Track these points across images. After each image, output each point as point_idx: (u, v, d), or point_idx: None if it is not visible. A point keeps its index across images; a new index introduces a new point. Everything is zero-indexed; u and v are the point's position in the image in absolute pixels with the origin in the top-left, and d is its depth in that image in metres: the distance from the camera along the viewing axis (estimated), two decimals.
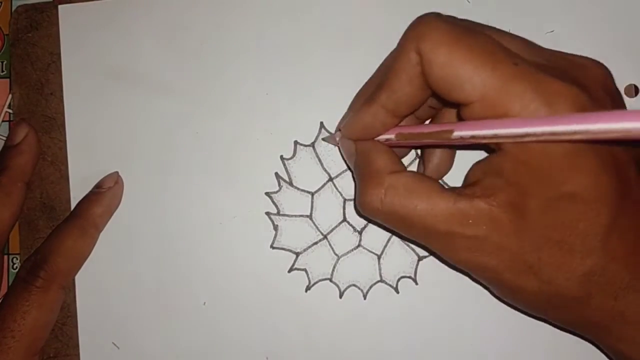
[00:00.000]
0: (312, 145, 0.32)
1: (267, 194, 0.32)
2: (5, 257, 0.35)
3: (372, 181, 0.24)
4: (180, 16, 0.33)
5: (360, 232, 0.31)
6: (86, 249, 0.32)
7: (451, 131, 0.22)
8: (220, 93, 0.32)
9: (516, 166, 0.21)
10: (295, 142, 0.32)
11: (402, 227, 0.24)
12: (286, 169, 0.32)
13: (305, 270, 0.31)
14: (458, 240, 0.22)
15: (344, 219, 0.31)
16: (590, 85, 0.21)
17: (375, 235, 0.31)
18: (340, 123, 0.30)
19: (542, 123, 0.19)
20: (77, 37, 0.34)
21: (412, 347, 0.30)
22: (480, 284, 0.30)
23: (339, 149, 0.30)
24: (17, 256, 0.34)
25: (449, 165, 0.29)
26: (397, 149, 0.28)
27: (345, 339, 0.31)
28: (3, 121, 0.36)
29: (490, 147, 0.22)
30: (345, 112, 0.29)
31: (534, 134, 0.19)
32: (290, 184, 0.32)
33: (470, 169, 0.24)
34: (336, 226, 0.31)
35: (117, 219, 0.33)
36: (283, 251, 0.32)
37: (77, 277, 0.33)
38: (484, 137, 0.21)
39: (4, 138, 0.36)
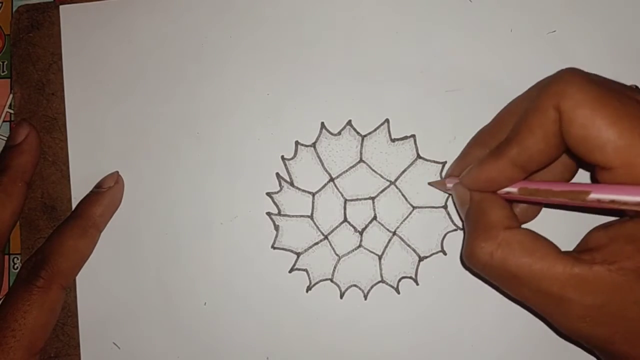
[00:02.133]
0: (313, 145, 0.32)
1: (268, 194, 0.32)
2: (6, 257, 0.35)
3: (484, 234, 0.23)
4: (181, 16, 0.33)
5: (361, 233, 0.31)
6: (87, 249, 0.32)
7: (587, 192, 0.21)
8: (221, 93, 0.32)
9: None
10: (297, 143, 0.32)
11: (510, 285, 0.23)
12: (287, 169, 0.32)
13: (306, 270, 0.31)
14: (572, 307, 0.21)
15: (345, 220, 0.31)
16: None
17: (376, 236, 0.31)
18: (449, 170, 0.29)
19: None
20: (78, 37, 0.34)
21: (413, 348, 0.30)
22: (480, 283, 0.30)
23: (452, 196, 0.29)
24: (18, 256, 0.34)
25: (537, 211, 0.28)
26: (523, 209, 0.27)
27: (346, 339, 0.31)
28: (4, 121, 0.36)
29: (625, 212, 0.22)
30: (457, 158, 0.29)
31: None
32: (291, 184, 0.32)
33: (590, 233, 0.23)
34: (337, 226, 0.31)
35: (118, 219, 0.33)
36: (284, 251, 0.32)
37: (78, 277, 0.33)
38: (626, 204, 0.20)
39: (5, 138, 0.36)
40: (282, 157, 0.32)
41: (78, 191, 0.33)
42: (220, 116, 0.32)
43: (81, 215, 0.32)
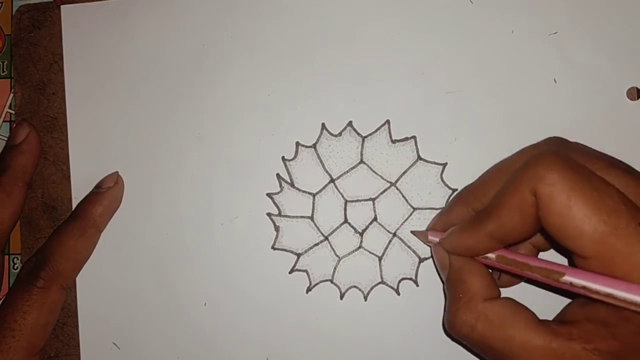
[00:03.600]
0: (314, 146, 0.32)
1: (268, 195, 0.32)
2: (6, 257, 0.35)
3: (464, 306, 0.23)
4: (182, 17, 0.33)
5: (361, 234, 0.31)
6: (87, 249, 0.32)
7: (561, 274, 0.21)
8: (222, 94, 0.32)
9: (626, 325, 0.20)
10: (297, 143, 0.32)
11: (490, 356, 0.23)
12: (287, 170, 0.32)
13: (306, 271, 0.31)
14: None
15: (345, 221, 0.31)
16: None
17: (377, 237, 0.31)
18: (432, 222, 0.29)
19: None
20: (79, 38, 0.34)
21: (413, 349, 0.30)
22: None
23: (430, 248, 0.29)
24: (18, 256, 0.34)
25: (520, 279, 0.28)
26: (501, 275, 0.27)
27: (346, 340, 0.31)
28: (4, 121, 0.36)
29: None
30: (440, 212, 0.29)
31: None
32: (292, 185, 0.32)
33: (569, 306, 0.23)
34: (337, 227, 0.31)
35: (118, 219, 0.33)
36: (284, 252, 0.32)
37: (78, 277, 0.33)
38: (597, 293, 0.20)
39: (5, 138, 0.36)
40: (283, 158, 0.32)
41: (78, 191, 0.33)
42: (220, 117, 0.32)
43: (81, 215, 0.32)
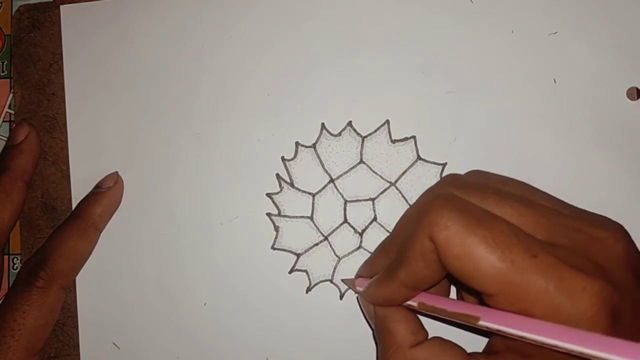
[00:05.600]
0: (314, 146, 0.32)
1: (268, 195, 0.32)
2: (6, 257, 0.35)
3: (392, 355, 0.24)
4: (182, 17, 0.33)
5: (361, 234, 0.31)
6: (87, 249, 0.32)
7: (477, 318, 0.21)
8: (222, 94, 0.32)
9: (542, 353, 0.21)
10: (297, 143, 0.32)
11: None
12: (287, 170, 0.32)
13: (306, 271, 0.31)
14: None
15: (345, 220, 0.31)
16: (613, 267, 0.21)
17: (376, 237, 0.31)
18: (359, 270, 0.29)
19: (570, 338, 0.19)
20: (79, 38, 0.34)
21: None
22: None
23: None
24: (18, 256, 0.34)
25: None
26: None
27: (346, 340, 0.31)
28: (4, 121, 0.36)
29: None
30: (365, 262, 0.29)
31: (563, 348, 0.19)
32: (291, 185, 0.32)
33: (493, 338, 0.24)
34: (337, 227, 0.31)
35: (118, 219, 0.33)
36: (284, 252, 0.32)
37: (78, 277, 0.33)
38: (511, 335, 0.20)
39: (5, 138, 0.36)
40: (282, 158, 0.32)
41: (78, 191, 0.33)
42: (220, 116, 0.32)
43: (81, 215, 0.32)
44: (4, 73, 0.36)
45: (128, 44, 0.33)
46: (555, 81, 0.30)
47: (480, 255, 0.20)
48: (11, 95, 0.36)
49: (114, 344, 0.32)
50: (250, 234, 0.32)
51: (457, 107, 0.31)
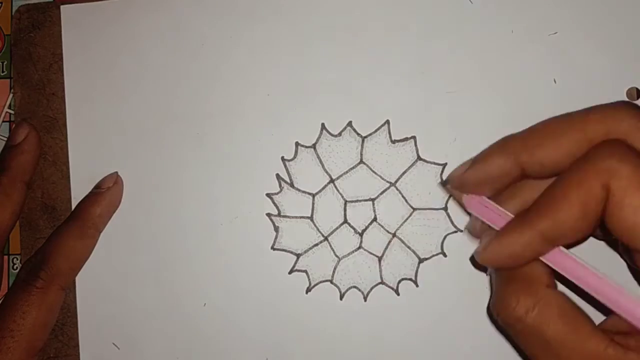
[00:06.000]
0: (314, 146, 0.32)
1: (268, 195, 0.32)
2: (6, 257, 0.35)
3: (524, 287, 0.21)
4: (182, 17, 0.33)
5: (361, 234, 0.31)
6: (86, 249, 0.32)
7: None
8: (221, 94, 0.32)
9: None
10: (297, 143, 0.32)
11: (534, 347, 0.21)
12: (287, 170, 0.32)
13: (305, 271, 0.31)
14: None
15: (345, 221, 0.31)
16: None
17: (376, 237, 0.31)
18: (459, 173, 0.24)
19: None
20: (79, 38, 0.34)
21: (413, 349, 0.30)
22: (479, 285, 0.29)
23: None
24: (18, 256, 0.34)
25: None
26: None
27: (346, 340, 0.31)
28: (4, 121, 0.36)
29: None
30: (475, 161, 0.24)
31: None
32: (291, 185, 0.32)
33: (615, 316, 0.21)
34: (337, 228, 0.31)
35: (118, 219, 0.33)
36: (284, 252, 0.32)
37: (78, 277, 0.33)
38: None
39: (5, 138, 0.36)
40: (282, 158, 0.32)
41: (78, 191, 0.33)
42: (220, 117, 0.32)
43: (80, 215, 0.32)
44: (4, 73, 0.36)
45: (128, 43, 0.33)
46: (555, 81, 0.30)
47: None
48: (11, 95, 0.36)
49: (114, 344, 0.32)
50: (250, 234, 0.32)
51: (457, 107, 0.31)
